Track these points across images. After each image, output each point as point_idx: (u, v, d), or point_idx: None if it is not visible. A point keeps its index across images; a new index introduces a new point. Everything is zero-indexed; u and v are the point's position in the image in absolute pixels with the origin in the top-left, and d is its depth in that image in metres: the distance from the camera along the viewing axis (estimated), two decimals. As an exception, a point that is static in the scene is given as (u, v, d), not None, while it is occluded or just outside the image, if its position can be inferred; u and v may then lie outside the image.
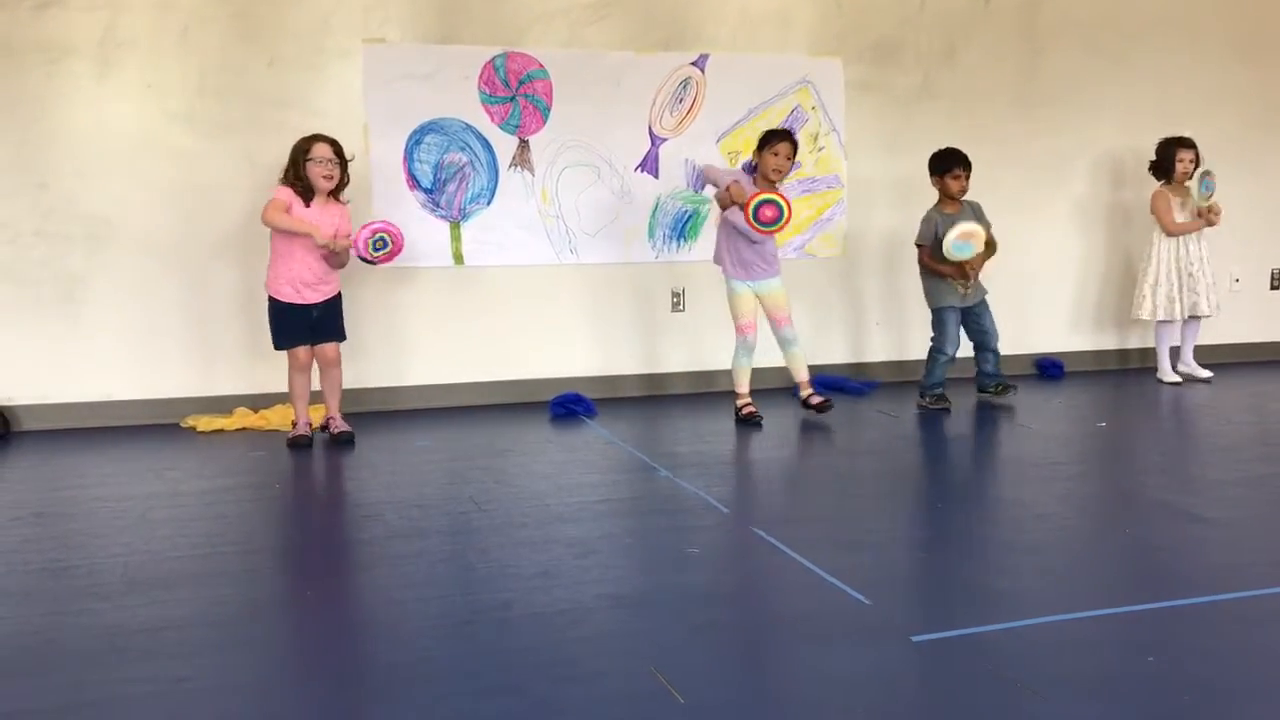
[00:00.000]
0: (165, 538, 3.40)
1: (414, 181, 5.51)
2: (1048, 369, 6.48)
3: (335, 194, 4.74)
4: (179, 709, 2.23)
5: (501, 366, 5.73)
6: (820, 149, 6.11)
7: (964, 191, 5.40)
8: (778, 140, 4.98)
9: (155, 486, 4.07)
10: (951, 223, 5.29)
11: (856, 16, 6.08)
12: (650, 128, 5.83)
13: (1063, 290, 6.63)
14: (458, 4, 5.49)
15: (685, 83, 5.85)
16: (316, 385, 4.92)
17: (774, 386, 5.96)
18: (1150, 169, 6.14)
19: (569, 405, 5.42)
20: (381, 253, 4.77)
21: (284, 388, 4.90)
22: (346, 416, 4.95)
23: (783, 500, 3.94)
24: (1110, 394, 5.99)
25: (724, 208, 4.93)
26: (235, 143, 5.23)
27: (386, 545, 3.32)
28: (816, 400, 5.16)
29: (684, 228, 5.92)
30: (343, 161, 4.72)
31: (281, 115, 5.26)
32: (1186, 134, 6.08)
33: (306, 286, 4.70)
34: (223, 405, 5.27)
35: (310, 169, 4.63)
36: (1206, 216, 5.96)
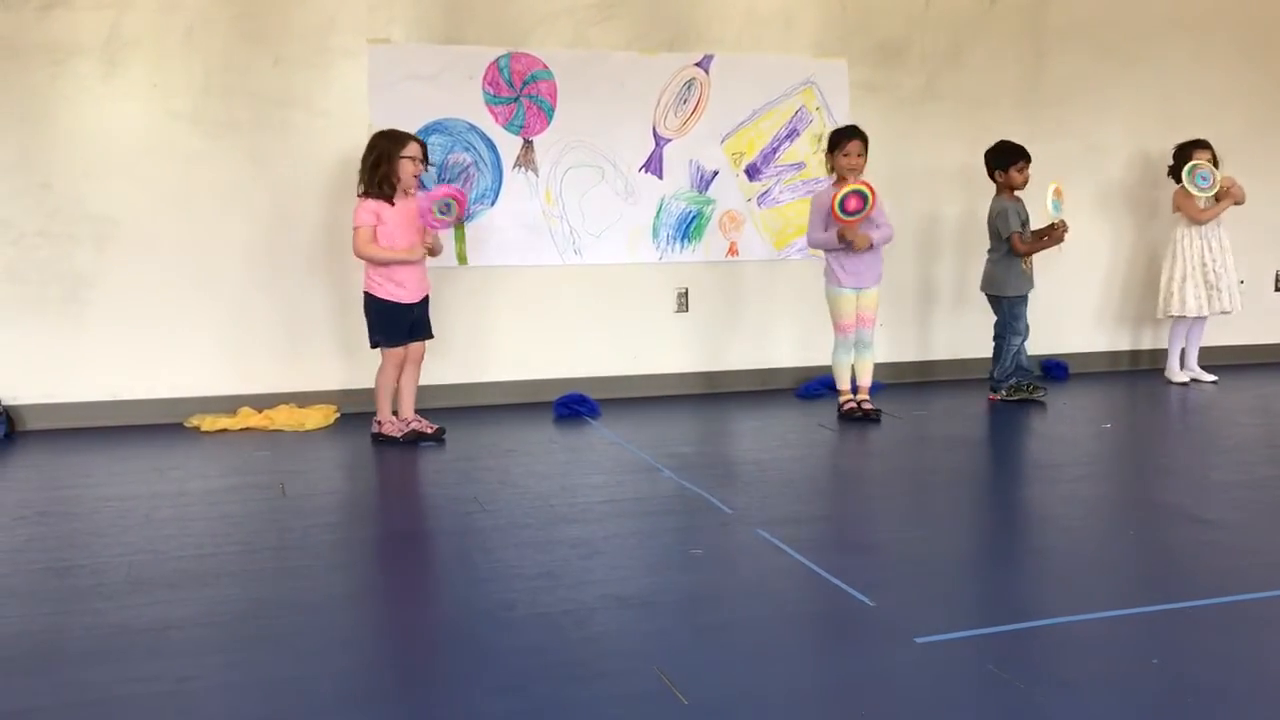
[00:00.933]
0: (169, 537, 3.40)
1: (418, 182, 5.50)
2: (1052, 370, 6.47)
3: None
4: (183, 708, 2.23)
5: (505, 367, 5.73)
6: (824, 150, 6.10)
7: (1027, 183, 5.53)
8: (847, 140, 5.07)
9: (159, 486, 4.07)
10: (1025, 209, 5.50)
11: (861, 17, 6.08)
12: (654, 128, 5.83)
13: (1068, 291, 6.61)
14: (462, 4, 5.49)
15: (689, 83, 5.85)
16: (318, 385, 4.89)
17: (780, 387, 5.96)
18: (1169, 174, 6.18)
19: (573, 406, 5.42)
20: (448, 215, 4.77)
21: (288, 388, 4.91)
22: (351, 417, 4.95)
23: (786, 501, 3.93)
24: (1116, 395, 5.99)
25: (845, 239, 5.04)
26: (240, 142, 5.24)
27: (390, 545, 3.33)
28: (869, 407, 5.20)
29: (688, 228, 5.92)
30: (427, 159, 4.80)
31: (286, 115, 5.26)
32: (1188, 134, 6.10)
33: (412, 285, 4.74)
34: (227, 405, 5.28)
35: (404, 166, 4.65)
36: (1233, 193, 5.99)
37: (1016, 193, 5.58)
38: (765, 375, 6.03)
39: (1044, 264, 6.49)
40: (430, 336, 4.91)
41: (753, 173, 5.99)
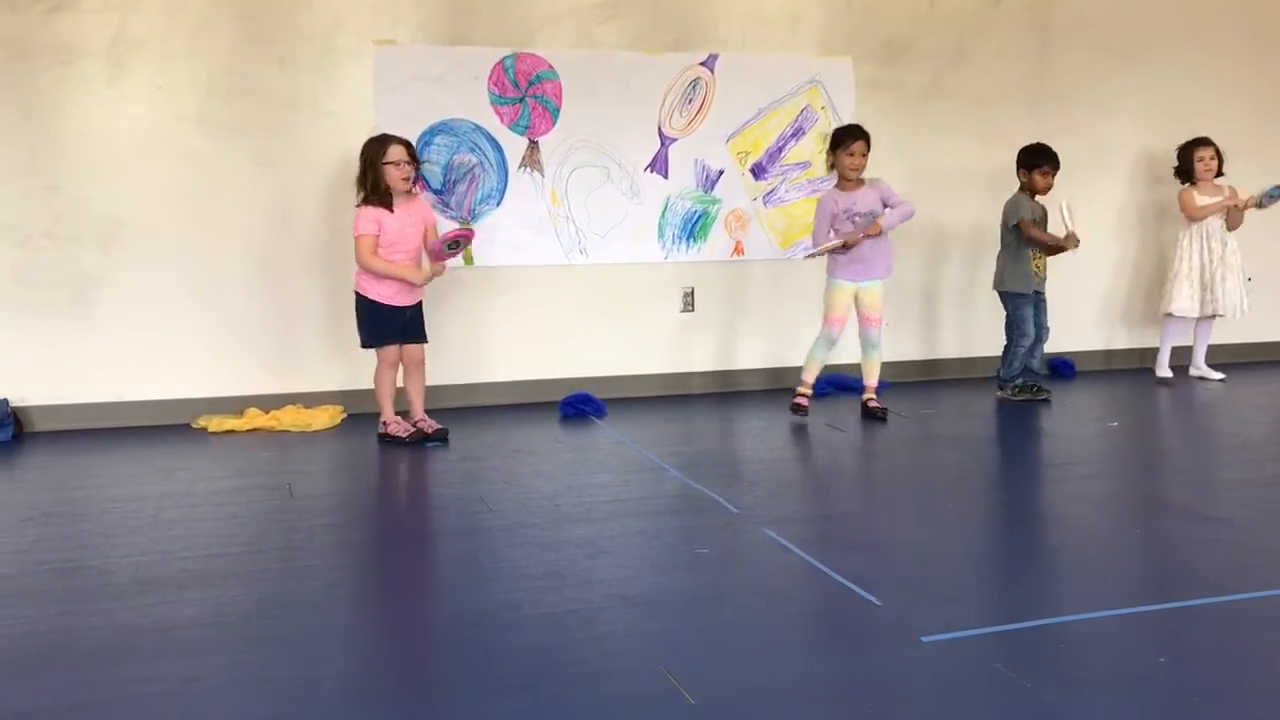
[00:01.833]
0: (176, 538, 3.41)
1: (424, 182, 5.51)
2: (1059, 368, 6.46)
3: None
4: (189, 708, 2.23)
5: (511, 366, 5.73)
6: (827, 148, 6.09)
7: (1049, 189, 5.53)
8: (852, 140, 5.06)
9: (166, 487, 4.08)
10: (1041, 210, 5.51)
11: (866, 16, 6.07)
12: (660, 128, 5.82)
13: (1074, 289, 6.60)
14: (467, 5, 5.49)
15: (695, 83, 5.85)
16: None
17: (786, 386, 5.95)
18: (1175, 174, 6.18)
19: (579, 405, 5.42)
20: (456, 250, 4.81)
21: (293, 388, 4.92)
22: (358, 417, 4.95)
23: (793, 500, 3.93)
24: (1123, 393, 5.97)
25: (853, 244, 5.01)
26: (246, 144, 5.24)
27: (397, 545, 3.33)
28: (875, 405, 5.19)
29: (694, 228, 5.92)
30: (414, 159, 4.77)
31: (292, 117, 5.27)
32: (1194, 133, 6.09)
33: (404, 289, 4.76)
34: (234, 406, 5.28)
35: (389, 172, 4.66)
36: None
37: (1038, 197, 5.58)
38: (771, 374, 6.02)
39: (1052, 262, 6.49)
40: (423, 340, 4.91)
41: (758, 172, 5.99)
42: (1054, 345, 6.53)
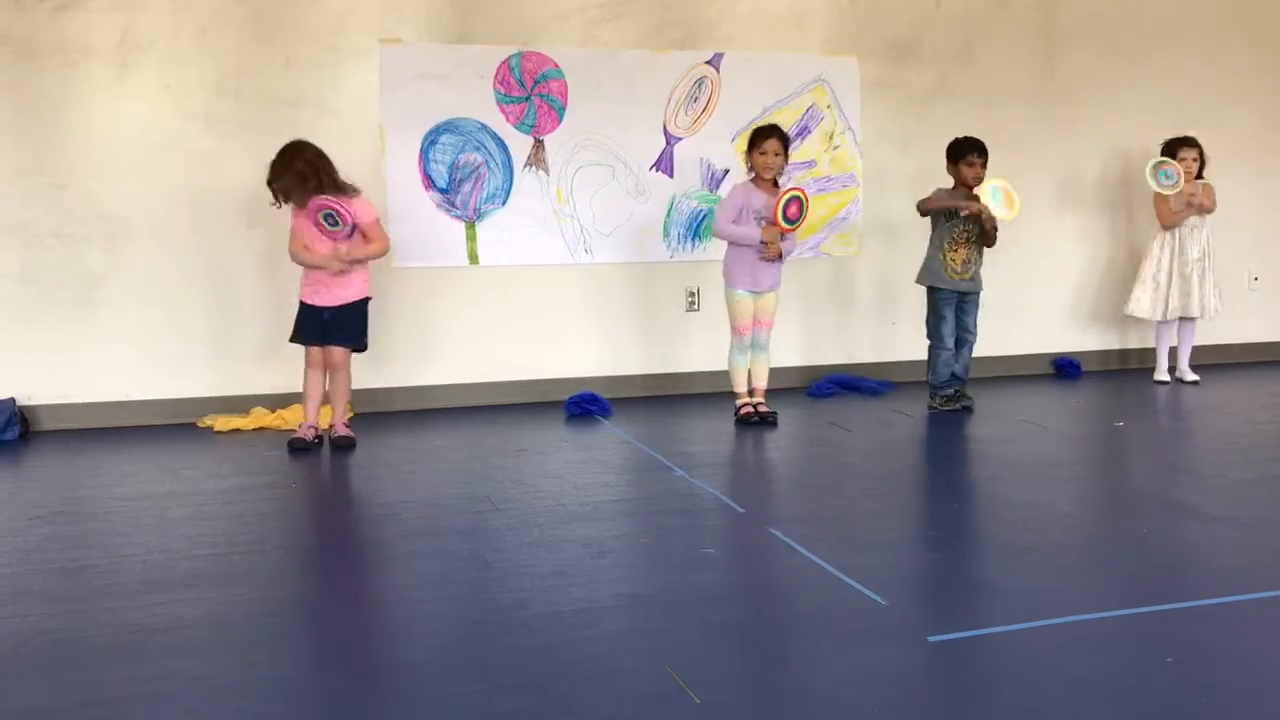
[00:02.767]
0: (183, 537, 3.42)
1: (429, 181, 5.52)
2: (1065, 368, 6.45)
3: (341, 189, 4.66)
4: (197, 707, 2.24)
5: (517, 366, 5.73)
6: (835, 147, 6.10)
7: (979, 180, 5.29)
8: (764, 139, 4.96)
9: (173, 486, 4.09)
10: (961, 198, 5.27)
11: (872, 14, 6.06)
12: (665, 127, 5.83)
13: (1078, 289, 6.60)
14: (473, 4, 5.50)
15: (700, 82, 5.85)
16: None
17: (791, 386, 5.95)
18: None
19: (584, 405, 5.42)
20: (337, 227, 4.61)
21: (300, 388, 4.89)
22: (364, 416, 4.95)
23: (798, 500, 3.93)
24: (1127, 394, 5.96)
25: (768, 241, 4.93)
26: (252, 143, 5.24)
27: (403, 544, 3.33)
28: (764, 410, 5.11)
29: (699, 227, 5.91)
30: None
31: (298, 115, 5.27)
32: (1200, 133, 6.06)
33: (319, 288, 4.72)
34: (240, 405, 5.30)
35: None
36: (1197, 202, 5.88)
37: (977, 191, 5.28)
38: (776, 374, 6.00)
39: (1056, 261, 6.49)
40: (350, 345, 4.78)
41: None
42: (1057, 345, 6.53)
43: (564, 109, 5.67)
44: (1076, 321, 6.62)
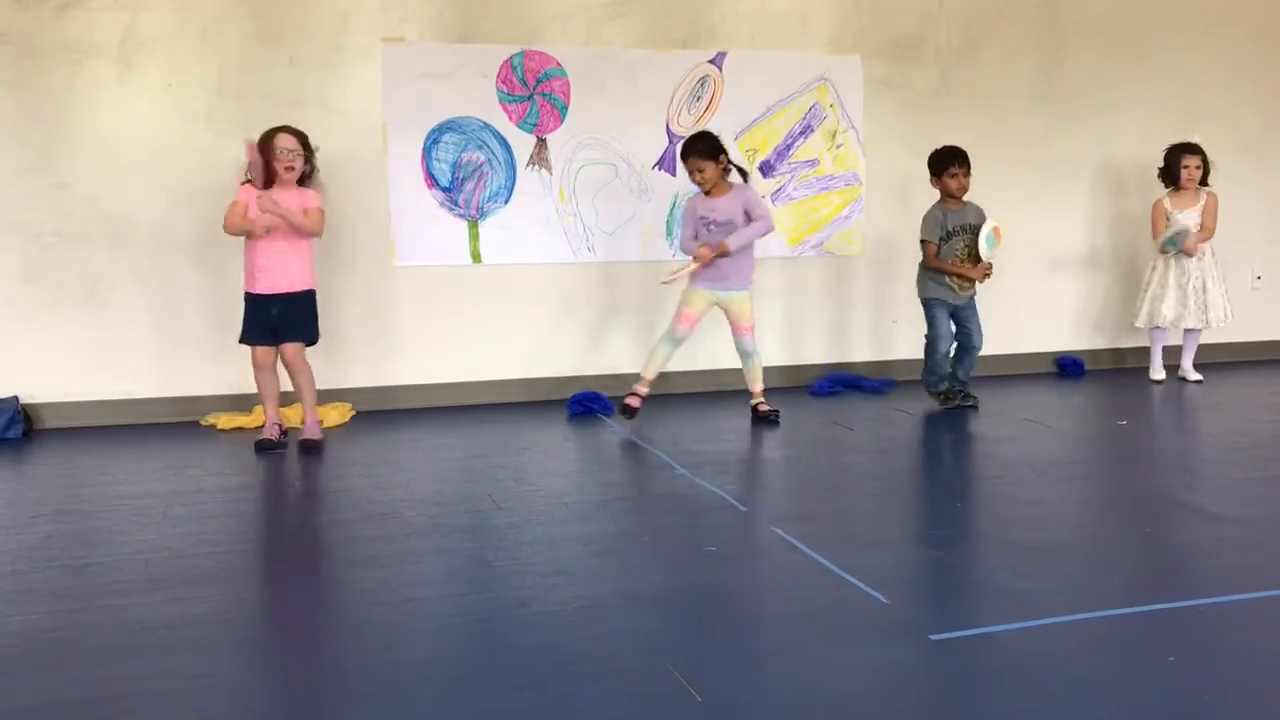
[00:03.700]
0: (186, 535, 3.42)
1: (432, 180, 5.52)
2: (1069, 367, 6.44)
3: (302, 183, 4.65)
4: (199, 704, 2.24)
5: (520, 365, 5.73)
6: (838, 146, 6.10)
7: (964, 190, 5.25)
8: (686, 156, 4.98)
9: (176, 484, 4.09)
10: (958, 218, 5.23)
11: (875, 13, 6.06)
12: (668, 125, 5.82)
13: (1082, 288, 6.59)
14: (476, 3, 5.50)
15: (703, 80, 5.85)
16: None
17: (794, 385, 5.95)
18: (1159, 175, 6.10)
19: (587, 404, 5.43)
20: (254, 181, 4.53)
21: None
22: (366, 415, 4.94)
23: (800, 498, 3.93)
24: (1129, 393, 5.95)
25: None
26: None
27: (406, 543, 3.33)
28: (765, 409, 5.13)
29: (702, 226, 5.90)
30: (307, 152, 4.64)
31: (301, 114, 5.26)
32: (1204, 129, 6.05)
33: (260, 271, 4.59)
34: (242, 403, 5.30)
35: (275, 159, 4.55)
36: (1191, 246, 5.84)
37: (973, 200, 5.31)
38: (778, 373, 6.01)
39: (1060, 260, 6.49)
40: (303, 339, 4.66)
41: (766, 170, 5.98)
42: (1061, 344, 6.53)
43: (566, 108, 5.67)
44: (1080, 320, 6.61)
